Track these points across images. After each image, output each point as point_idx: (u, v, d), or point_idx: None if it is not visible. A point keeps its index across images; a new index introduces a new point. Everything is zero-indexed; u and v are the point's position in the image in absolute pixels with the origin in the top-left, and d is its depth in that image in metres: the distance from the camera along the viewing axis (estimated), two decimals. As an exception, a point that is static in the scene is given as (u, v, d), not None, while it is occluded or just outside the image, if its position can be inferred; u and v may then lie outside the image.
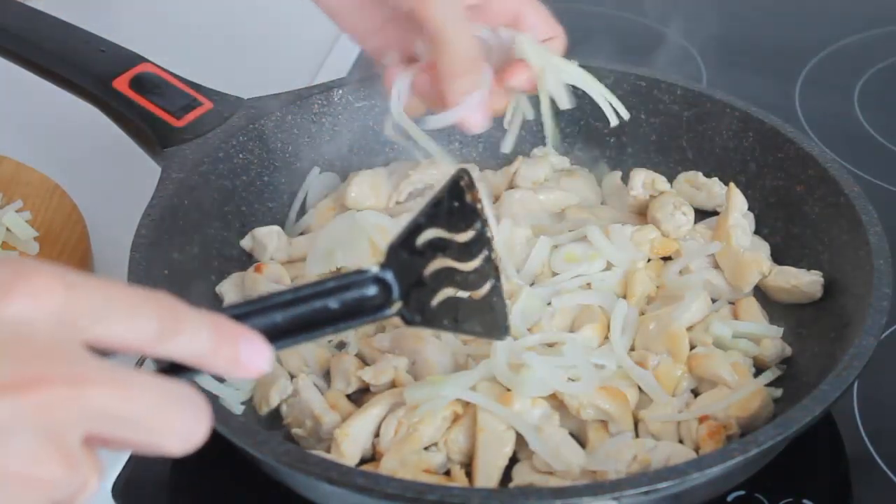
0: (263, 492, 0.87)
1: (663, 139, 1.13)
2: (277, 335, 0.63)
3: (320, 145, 1.13)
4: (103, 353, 0.56)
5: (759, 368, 0.95)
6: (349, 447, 0.87)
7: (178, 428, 0.57)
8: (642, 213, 1.08)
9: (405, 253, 0.70)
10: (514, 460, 0.88)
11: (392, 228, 1.02)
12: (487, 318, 0.74)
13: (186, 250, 1.00)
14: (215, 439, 0.79)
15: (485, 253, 0.73)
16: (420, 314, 0.70)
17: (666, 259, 1.04)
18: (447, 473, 0.88)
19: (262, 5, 1.57)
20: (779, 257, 1.04)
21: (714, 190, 1.08)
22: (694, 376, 0.93)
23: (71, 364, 0.54)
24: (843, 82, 1.39)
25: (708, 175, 1.09)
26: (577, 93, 1.15)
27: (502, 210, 1.07)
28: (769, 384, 0.92)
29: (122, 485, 0.92)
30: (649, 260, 1.03)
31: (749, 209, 1.06)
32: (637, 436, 0.90)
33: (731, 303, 1.01)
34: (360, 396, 0.94)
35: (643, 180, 1.08)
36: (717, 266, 1.03)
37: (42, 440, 0.52)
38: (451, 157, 1.02)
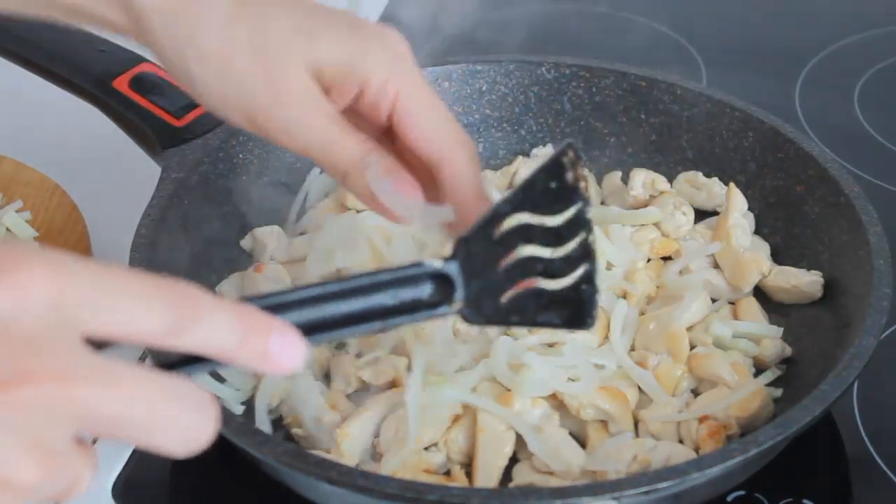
0: (263, 492, 0.87)
1: (663, 139, 1.13)
2: (316, 329, 0.59)
3: (320, 145, 1.13)
4: (107, 344, 0.53)
5: (759, 368, 0.95)
6: (349, 447, 0.87)
7: (180, 428, 0.53)
8: (642, 214, 1.08)
9: (479, 245, 0.64)
10: (514, 460, 0.88)
11: (392, 229, 1.02)
12: (571, 307, 0.66)
13: (186, 250, 1.00)
14: (215, 439, 0.80)
15: (582, 235, 0.66)
16: (486, 313, 0.65)
17: (666, 259, 1.04)
18: (447, 473, 0.88)
19: (262, 5, 1.56)
20: (779, 257, 1.04)
21: (714, 190, 1.08)
22: (694, 376, 0.93)
23: (60, 359, 0.51)
24: (843, 82, 1.39)
25: (708, 175, 1.09)
26: (577, 92, 1.15)
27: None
28: (769, 384, 0.92)
29: (122, 485, 0.92)
30: (649, 260, 1.03)
31: (749, 209, 1.06)
32: (637, 436, 0.90)
33: (731, 303, 1.01)
34: (360, 396, 0.94)
35: (643, 180, 1.08)
36: (717, 266, 1.03)
37: (21, 441, 0.50)
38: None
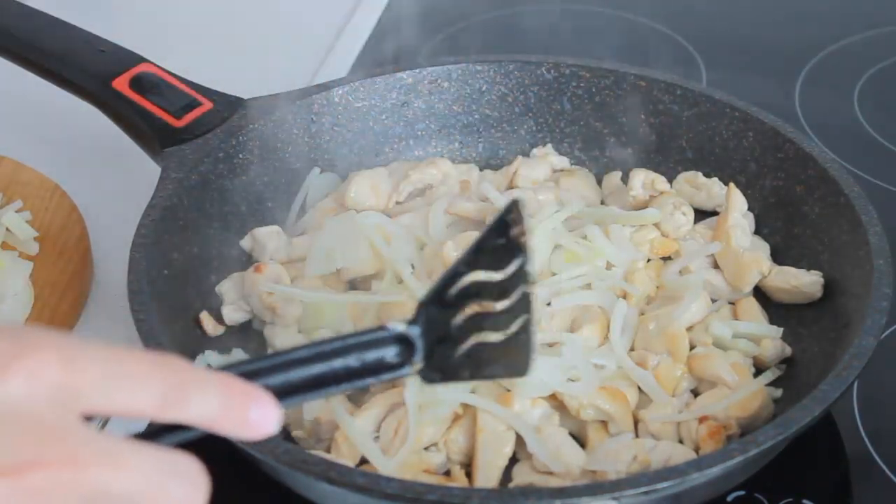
0: (263, 492, 0.87)
1: (663, 139, 1.13)
2: (290, 392, 0.62)
3: (320, 145, 1.13)
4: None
5: (759, 368, 0.95)
6: (349, 447, 0.87)
7: (177, 500, 0.56)
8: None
9: (435, 307, 0.67)
10: (514, 460, 0.88)
11: (392, 229, 1.02)
12: (512, 357, 0.69)
13: (186, 250, 1.00)
14: (215, 439, 0.80)
15: (522, 287, 0.68)
16: (441, 371, 0.67)
17: (666, 259, 1.04)
18: (447, 473, 0.88)
19: (261, 5, 1.57)
20: (779, 257, 1.04)
21: (714, 190, 1.08)
22: (694, 376, 0.93)
23: (69, 443, 0.53)
24: (843, 82, 1.39)
25: (708, 175, 1.09)
26: (577, 92, 1.16)
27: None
28: (769, 384, 0.92)
29: (122, 485, 0.92)
30: (649, 260, 1.03)
31: (749, 209, 1.06)
32: (637, 436, 0.90)
33: (731, 303, 1.01)
34: (360, 396, 0.94)
35: (643, 180, 1.08)
36: (716, 266, 1.03)
37: None
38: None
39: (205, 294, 1.02)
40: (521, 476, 0.86)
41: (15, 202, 1.14)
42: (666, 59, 1.41)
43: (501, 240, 0.69)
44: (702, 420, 0.88)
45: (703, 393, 0.92)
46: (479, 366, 0.69)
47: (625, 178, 1.11)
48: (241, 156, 1.07)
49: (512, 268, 0.68)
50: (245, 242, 1.06)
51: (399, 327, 0.66)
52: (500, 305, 0.68)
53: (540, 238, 0.99)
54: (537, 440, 0.86)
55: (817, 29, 1.49)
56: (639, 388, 0.92)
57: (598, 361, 0.92)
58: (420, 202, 1.09)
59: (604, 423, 0.90)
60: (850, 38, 1.47)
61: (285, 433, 0.92)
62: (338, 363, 0.63)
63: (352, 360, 0.64)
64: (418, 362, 0.66)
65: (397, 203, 1.10)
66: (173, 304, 0.96)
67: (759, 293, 1.01)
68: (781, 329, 0.97)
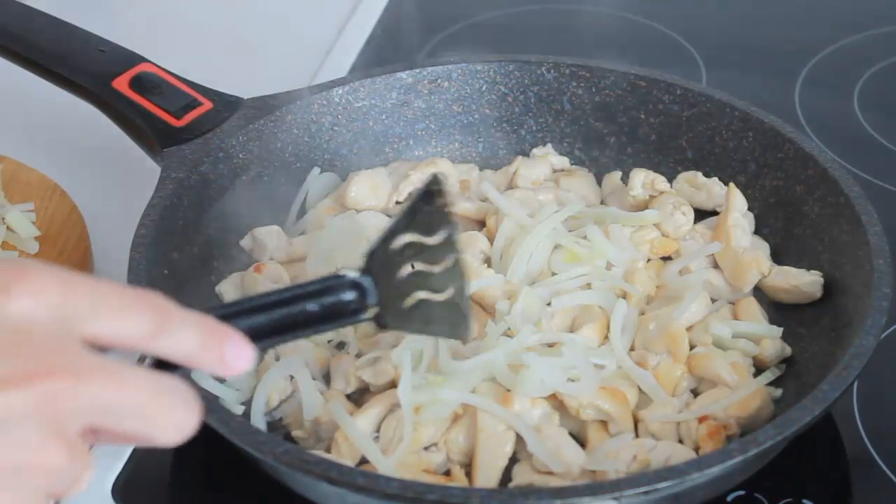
0: (263, 492, 0.87)
1: (663, 139, 1.13)
2: (261, 335, 0.67)
3: (320, 145, 1.13)
4: (100, 350, 0.59)
5: (759, 368, 0.95)
6: (349, 447, 0.87)
7: (171, 418, 0.60)
8: (642, 213, 1.08)
9: (382, 258, 0.73)
10: (514, 460, 0.88)
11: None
12: (453, 320, 0.78)
13: (186, 250, 1.00)
14: (215, 439, 0.80)
15: (452, 256, 0.76)
16: (394, 317, 0.74)
17: (666, 259, 1.04)
18: (447, 473, 0.88)
19: (261, 5, 1.57)
20: (779, 257, 1.04)
21: (714, 190, 1.08)
22: (694, 376, 0.93)
23: (71, 358, 0.57)
24: (843, 82, 1.39)
25: (708, 175, 1.09)
26: (577, 92, 1.16)
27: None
28: (769, 384, 0.92)
29: (122, 485, 0.92)
30: (649, 260, 1.03)
31: (749, 209, 1.06)
32: (637, 436, 0.90)
33: (731, 303, 1.01)
34: (360, 396, 0.94)
35: (643, 180, 1.08)
36: (716, 266, 1.03)
37: (45, 429, 0.55)
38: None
39: (205, 294, 1.02)
40: (521, 476, 0.86)
41: (26, 203, 1.14)
42: (666, 59, 1.41)
43: (428, 208, 0.75)
44: (702, 420, 0.88)
45: (703, 393, 0.92)
46: (427, 322, 0.77)
47: (625, 178, 1.11)
48: (241, 156, 1.07)
49: (441, 235, 0.75)
50: (245, 242, 1.07)
51: (352, 274, 0.72)
52: (436, 269, 0.75)
53: (540, 238, 0.99)
54: (537, 440, 0.86)
55: (817, 29, 1.49)
56: (639, 388, 0.92)
57: (598, 361, 0.92)
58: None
59: (604, 423, 0.90)
60: (850, 38, 1.47)
61: (285, 433, 0.92)
62: (298, 307, 0.69)
63: (312, 305, 0.70)
64: (373, 306, 0.72)
65: (397, 203, 1.10)
66: (173, 304, 0.96)
67: (759, 293, 1.01)
68: (781, 329, 0.97)
